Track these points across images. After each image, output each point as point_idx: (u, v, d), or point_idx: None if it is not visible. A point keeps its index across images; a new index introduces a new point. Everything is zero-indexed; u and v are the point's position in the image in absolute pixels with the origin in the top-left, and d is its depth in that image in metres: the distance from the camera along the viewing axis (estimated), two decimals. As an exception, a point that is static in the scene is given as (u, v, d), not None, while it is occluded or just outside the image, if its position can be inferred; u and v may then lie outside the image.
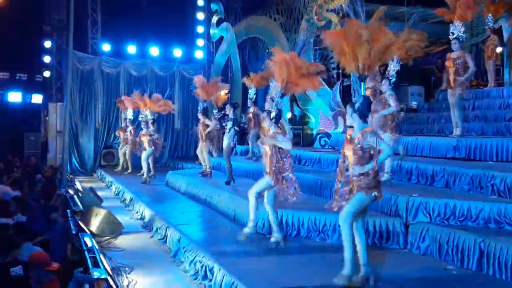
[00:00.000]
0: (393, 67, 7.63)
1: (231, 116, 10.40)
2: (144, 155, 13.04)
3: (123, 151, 15.86)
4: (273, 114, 6.30)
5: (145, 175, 13.14)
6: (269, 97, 6.95)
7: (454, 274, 5.31)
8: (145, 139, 12.96)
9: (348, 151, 4.79)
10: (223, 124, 10.56)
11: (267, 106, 6.87)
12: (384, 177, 7.28)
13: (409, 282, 4.97)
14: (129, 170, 15.46)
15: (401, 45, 7.00)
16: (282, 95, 6.59)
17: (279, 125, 6.39)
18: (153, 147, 12.98)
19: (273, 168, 6.09)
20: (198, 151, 11.96)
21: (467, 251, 5.44)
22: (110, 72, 18.39)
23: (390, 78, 7.58)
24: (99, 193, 11.12)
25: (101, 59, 18.30)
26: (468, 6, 8.98)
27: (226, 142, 10.15)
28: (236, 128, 10.24)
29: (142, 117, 13.26)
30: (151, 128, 13.01)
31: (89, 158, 18.11)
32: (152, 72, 18.85)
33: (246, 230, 6.61)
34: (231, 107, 10.53)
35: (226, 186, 9.80)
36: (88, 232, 7.09)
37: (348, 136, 4.84)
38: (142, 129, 13.29)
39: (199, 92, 11.83)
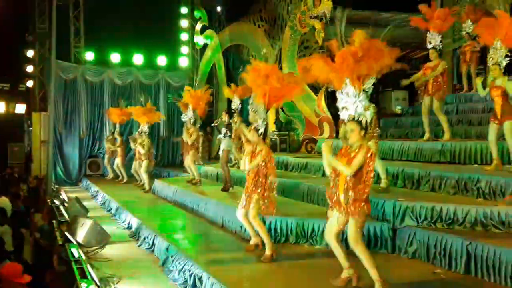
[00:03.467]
0: (368, 83, 7.63)
1: (226, 123, 10.45)
2: (144, 167, 13.16)
3: (116, 163, 15.85)
4: (261, 131, 6.27)
5: (147, 185, 13.22)
6: (252, 109, 6.92)
7: (442, 278, 5.33)
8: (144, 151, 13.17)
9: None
10: (223, 132, 10.48)
11: (251, 119, 6.84)
12: (383, 183, 7.33)
13: (398, 287, 4.98)
14: (125, 180, 15.48)
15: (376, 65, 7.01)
16: (266, 111, 6.54)
17: (265, 140, 6.39)
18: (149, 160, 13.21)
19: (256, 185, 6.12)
20: (185, 163, 12.02)
21: (454, 254, 5.47)
22: (93, 81, 18.31)
23: (367, 90, 7.57)
24: (85, 203, 11.02)
25: (85, 68, 18.20)
26: (445, 18, 9.11)
27: (222, 148, 10.13)
28: (228, 133, 10.26)
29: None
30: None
31: (74, 167, 17.99)
32: (136, 80, 18.80)
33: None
34: (227, 114, 10.58)
35: (213, 194, 9.79)
36: (75, 243, 7.03)
37: (344, 151, 4.79)
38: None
39: (187, 100, 11.80)
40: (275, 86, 6.49)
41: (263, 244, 6.28)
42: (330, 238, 4.93)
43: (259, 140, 6.25)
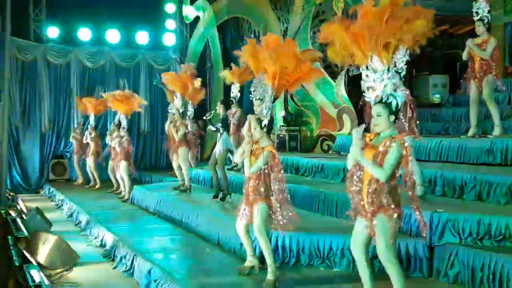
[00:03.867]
0: (401, 58, 7.62)
1: (222, 115, 10.44)
2: (122, 168, 13.23)
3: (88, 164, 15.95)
4: (265, 122, 6.26)
5: (126, 193, 13.32)
6: (257, 97, 6.92)
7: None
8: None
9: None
10: (216, 126, 10.44)
11: (256, 108, 6.84)
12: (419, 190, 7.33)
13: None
14: (98, 185, 15.55)
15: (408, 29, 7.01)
16: (274, 99, 6.55)
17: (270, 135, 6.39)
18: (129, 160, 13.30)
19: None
20: (173, 163, 12.07)
21: (506, 278, 5.45)
22: (58, 63, 18.33)
23: (400, 71, 7.59)
24: (48, 215, 11.05)
25: (47, 47, 18.21)
26: None
27: (219, 147, 10.13)
28: (224, 128, 10.22)
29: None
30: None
31: (34, 170, 18.02)
32: (111, 62, 18.82)
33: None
34: (222, 105, 10.54)
35: (207, 203, 9.85)
36: (35, 264, 7.05)
37: (368, 141, 4.79)
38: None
39: (172, 87, 11.85)
40: (288, 67, 6.48)
41: (261, 268, 6.30)
42: (356, 248, 4.94)
43: (262, 134, 6.23)
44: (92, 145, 15.60)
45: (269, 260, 6.15)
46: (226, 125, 10.40)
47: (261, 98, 6.66)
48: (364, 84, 4.90)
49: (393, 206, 4.64)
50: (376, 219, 4.67)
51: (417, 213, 4.71)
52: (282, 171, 6.22)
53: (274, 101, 6.56)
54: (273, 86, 6.47)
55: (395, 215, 4.64)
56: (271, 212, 6.11)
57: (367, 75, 4.85)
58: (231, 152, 10.86)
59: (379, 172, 4.60)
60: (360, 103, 7.61)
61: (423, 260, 6.34)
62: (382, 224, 4.65)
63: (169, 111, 12.44)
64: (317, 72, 6.99)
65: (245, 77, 11.91)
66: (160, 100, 18.63)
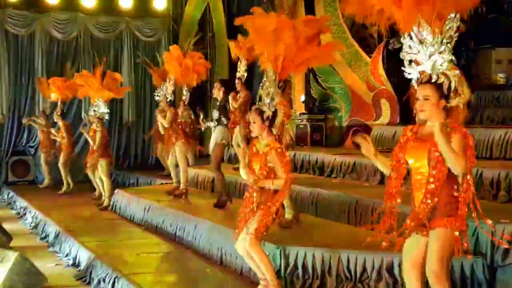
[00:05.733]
0: (448, 24, 7.52)
1: (220, 102, 10.38)
2: (102, 169, 13.30)
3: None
4: (267, 113, 6.31)
5: (106, 199, 13.38)
6: (265, 82, 6.98)
7: None
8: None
9: (416, 162, 4.65)
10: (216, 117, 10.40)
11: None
12: None
13: None
14: (70, 187, 15.80)
15: None
16: (279, 82, 6.68)
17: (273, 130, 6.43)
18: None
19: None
20: (169, 161, 12.11)
21: None
22: (19, 33, 18.35)
23: (448, 41, 7.54)
24: (7, 227, 11.10)
25: (5, 14, 18.22)
26: None
27: (214, 140, 10.12)
28: (224, 118, 10.20)
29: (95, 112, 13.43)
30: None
31: (-11, 171, 18.10)
32: (86, 33, 18.80)
33: None
34: (221, 86, 10.42)
35: (207, 212, 9.91)
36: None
37: (411, 135, 4.71)
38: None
39: (170, 70, 11.83)
40: (291, 46, 6.62)
41: None
42: (407, 268, 4.86)
43: (262, 130, 6.27)
44: (60, 139, 15.56)
45: (268, 274, 6.20)
46: (224, 113, 10.31)
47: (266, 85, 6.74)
48: (405, 57, 4.82)
49: (454, 210, 4.58)
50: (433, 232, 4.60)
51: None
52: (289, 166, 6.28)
53: (279, 86, 6.61)
54: (274, 69, 6.55)
55: (454, 221, 4.57)
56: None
57: (410, 46, 4.78)
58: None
59: (459, 160, 4.42)
60: (405, 98, 7.61)
61: (483, 284, 6.31)
62: (438, 237, 4.59)
63: (156, 98, 12.45)
64: (331, 47, 7.01)
65: (255, 52, 11.84)
66: (149, 82, 18.60)
